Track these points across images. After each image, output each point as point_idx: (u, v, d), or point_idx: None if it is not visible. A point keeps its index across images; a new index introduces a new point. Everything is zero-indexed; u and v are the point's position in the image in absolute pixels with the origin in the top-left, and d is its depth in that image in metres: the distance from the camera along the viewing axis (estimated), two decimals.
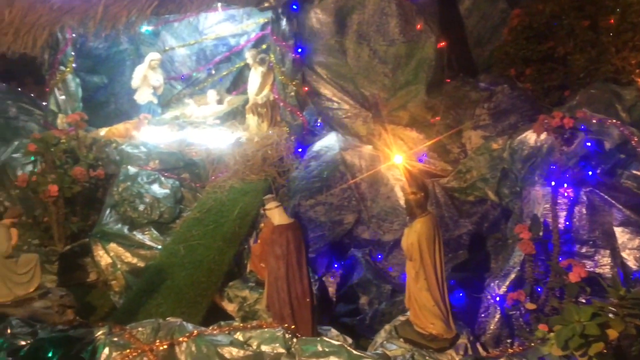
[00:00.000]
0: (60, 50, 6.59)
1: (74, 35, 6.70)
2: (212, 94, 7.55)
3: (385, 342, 3.67)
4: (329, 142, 5.71)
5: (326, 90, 5.80)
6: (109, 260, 5.25)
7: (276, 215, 3.94)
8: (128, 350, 3.26)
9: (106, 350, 3.28)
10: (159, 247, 5.22)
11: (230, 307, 4.71)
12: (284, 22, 5.88)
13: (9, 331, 3.76)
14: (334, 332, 3.96)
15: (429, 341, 3.59)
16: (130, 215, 5.44)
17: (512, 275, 4.25)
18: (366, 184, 5.34)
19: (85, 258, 5.64)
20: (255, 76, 6.80)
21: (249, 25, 7.69)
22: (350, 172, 5.39)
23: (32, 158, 6.40)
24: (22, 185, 5.57)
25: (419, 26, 5.42)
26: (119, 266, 5.20)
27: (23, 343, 3.63)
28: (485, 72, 6.26)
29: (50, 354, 3.40)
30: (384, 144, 5.62)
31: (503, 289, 4.21)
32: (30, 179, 5.53)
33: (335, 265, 5.10)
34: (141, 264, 5.21)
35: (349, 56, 5.62)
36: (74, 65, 6.91)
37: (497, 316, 4.16)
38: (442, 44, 5.60)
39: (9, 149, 7.02)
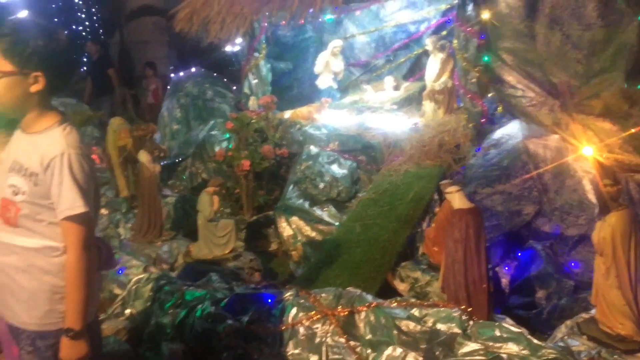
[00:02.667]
0: (255, 38, 7.23)
1: (266, 24, 7.31)
2: (389, 80, 7.73)
3: (566, 337, 3.53)
4: (511, 130, 5.56)
5: (510, 77, 5.64)
6: (291, 232, 5.63)
7: (456, 199, 3.97)
8: (313, 312, 3.53)
9: (294, 310, 3.58)
10: (336, 223, 5.51)
11: (401, 287, 4.83)
12: (470, 8, 5.82)
13: (211, 285, 4.29)
14: (509, 321, 3.90)
15: (616, 341, 3.39)
16: (310, 192, 5.82)
17: None
18: (550, 175, 5.12)
19: (268, 229, 6.14)
20: (434, 63, 6.81)
21: (429, 11, 7.73)
22: (532, 161, 5.21)
23: (227, 135, 7.12)
24: (219, 159, 6.20)
25: (619, 8, 5.03)
26: (299, 238, 5.56)
27: (221, 296, 4.08)
28: None
29: (247, 307, 3.80)
30: (571, 134, 5.31)
31: None
32: (226, 154, 6.15)
33: (511, 257, 4.99)
34: (319, 238, 5.53)
35: (539, 41, 5.40)
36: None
37: None
38: None
39: (206, 127, 7.88)
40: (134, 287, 4.17)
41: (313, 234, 5.57)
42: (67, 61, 2.19)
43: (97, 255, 2.26)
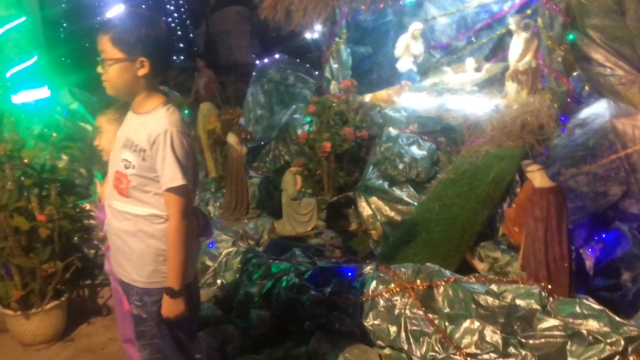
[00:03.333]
0: (336, 24, 7.37)
1: (346, 9, 7.43)
2: (470, 62, 7.64)
3: None
4: (598, 110, 5.40)
5: (598, 55, 5.46)
6: (370, 212, 5.77)
7: (538, 177, 3.96)
8: (392, 286, 3.66)
9: (374, 283, 3.73)
10: (415, 203, 5.59)
11: (480, 266, 4.86)
12: None
13: (294, 259, 4.53)
14: (591, 300, 3.86)
15: None
16: (390, 172, 5.92)
17: None
18: (639, 155, 4.96)
19: (348, 209, 6.32)
20: (517, 42, 6.67)
21: None
22: (620, 141, 5.04)
23: (308, 119, 7.34)
24: (302, 141, 6.44)
25: None
26: (378, 217, 5.70)
27: (304, 269, 4.29)
28: None
29: (329, 279, 4.00)
30: None
31: None
32: (308, 136, 6.37)
33: (596, 238, 4.89)
34: (398, 218, 5.64)
35: (629, 17, 5.19)
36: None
37: None
38: None
39: (288, 111, 8.15)
40: (224, 259, 4.48)
41: (392, 214, 5.69)
42: (167, 47, 2.43)
43: (195, 223, 2.51)
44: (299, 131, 7.12)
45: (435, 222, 5.07)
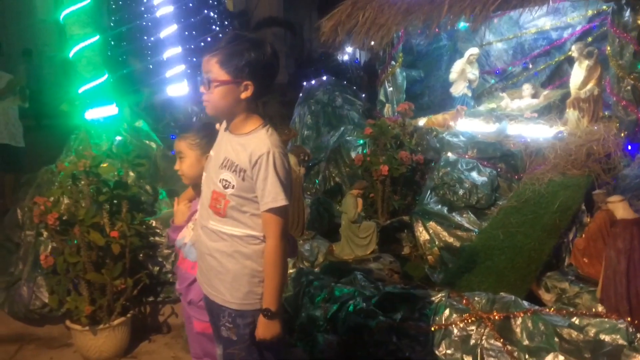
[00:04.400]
0: (394, 47, 7.40)
1: (402, 33, 7.46)
2: (527, 88, 7.56)
3: None
4: None
5: None
6: (427, 237, 5.68)
7: (620, 208, 3.85)
8: (466, 315, 3.58)
9: (447, 312, 3.65)
10: (476, 230, 5.49)
11: (547, 297, 4.72)
12: (627, 13, 5.58)
13: (357, 282, 4.47)
14: None
15: None
16: (448, 198, 5.84)
17: None
18: None
19: (401, 233, 6.23)
20: (579, 70, 6.57)
21: (574, 18, 7.47)
22: None
23: (361, 141, 7.33)
24: (358, 163, 6.40)
25: None
26: (436, 243, 5.61)
27: (369, 294, 4.23)
28: None
29: (396, 305, 3.93)
30: None
31: None
32: (365, 159, 6.34)
33: None
34: (457, 244, 5.54)
35: None
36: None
37: None
38: None
39: (336, 133, 8.15)
40: None
41: (451, 240, 5.59)
42: (272, 72, 2.45)
43: (289, 244, 2.49)
44: (352, 153, 7.10)
45: (499, 250, 4.95)
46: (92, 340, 4.02)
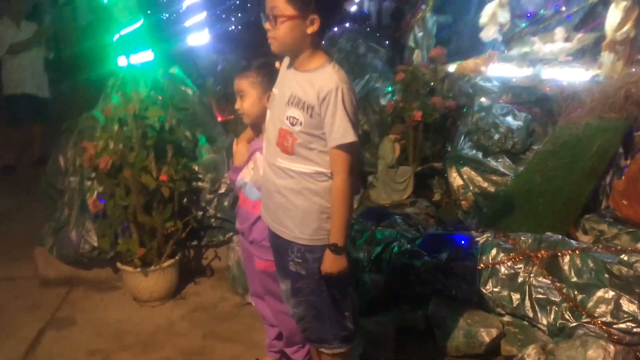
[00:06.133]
0: None
1: None
2: (560, 31, 7.39)
3: None
4: None
5: None
6: (461, 182, 5.69)
7: None
8: (513, 254, 3.64)
9: (494, 251, 3.71)
10: (511, 174, 5.49)
11: (585, 239, 4.74)
12: None
13: (398, 225, 4.54)
14: None
15: None
16: (483, 143, 5.80)
17: None
18: None
19: (432, 179, 6.26)
20: (615, 11, 6.38)
21: None
22: None
23: (390, 88, 7.27)
24: (390, 110, 6.36)
25: None
26: (470, 188, 5.62)
27: (410, 236, 4.29)
28: None
29: (440, 247, 4.00)
30: None
31: None
32: (397, 105, 6.30)
33: None
34: (491, 189, 5.54)
35: None
36: None
37: None
38: None
39: (362, 81, 8.07)
40: None
41: (485, 185, 5.59)
42: (338, 5, 2.43)
43: (355, 180, 2.53)
44: (382, 101, 7.05)
45: (537, 194, 4.96)
46: (143, 282, 4.15)
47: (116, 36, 5.06)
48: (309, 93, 2.38)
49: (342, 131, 2.34)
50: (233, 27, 12.26)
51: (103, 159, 3.76)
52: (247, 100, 2.87)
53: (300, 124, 2.39)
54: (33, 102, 7.47)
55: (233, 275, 4.43)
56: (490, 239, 3.82)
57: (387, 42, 9.62)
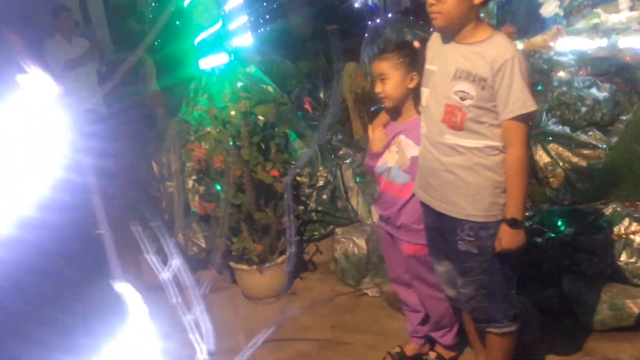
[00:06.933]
0: None
1: None
2: (624, 1, 7.22)
3: None
4: None
5: None
6: (548, 159, 5.56)
7: None
8: None
9: (626, 221, 3.60)
10: (604, 147, 5.35)
11: None
12: None
13: None
14: None
15: None
16: (569, 117, 5.67)
17: None
18: None
19: None
20: None
21: None
22: None
23: None
24: None
25: None
26: (560, 164, 5.49)
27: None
28: None
29: (559, 224, 3.90)
30: None
31: None
32: None
33: None
34: (583, 163, 5.41)
35: None
36: None
37: None
38: None
39: None
40: None
41: (576, 159, 5.46)
42: None
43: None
44: None
45: None
46: (259, 279, 4.13)
47: (197, 39, 5.06)
48: (480, 65, 2.32)
49: (521, 101, 2.28)
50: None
51: (217, 159, 3.74)
52: (390, 82, 2.82)
53: (472, 97, 2.34)
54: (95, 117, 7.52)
55: (341, 267, 4.39)
56: (618, 209, 3.71)
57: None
